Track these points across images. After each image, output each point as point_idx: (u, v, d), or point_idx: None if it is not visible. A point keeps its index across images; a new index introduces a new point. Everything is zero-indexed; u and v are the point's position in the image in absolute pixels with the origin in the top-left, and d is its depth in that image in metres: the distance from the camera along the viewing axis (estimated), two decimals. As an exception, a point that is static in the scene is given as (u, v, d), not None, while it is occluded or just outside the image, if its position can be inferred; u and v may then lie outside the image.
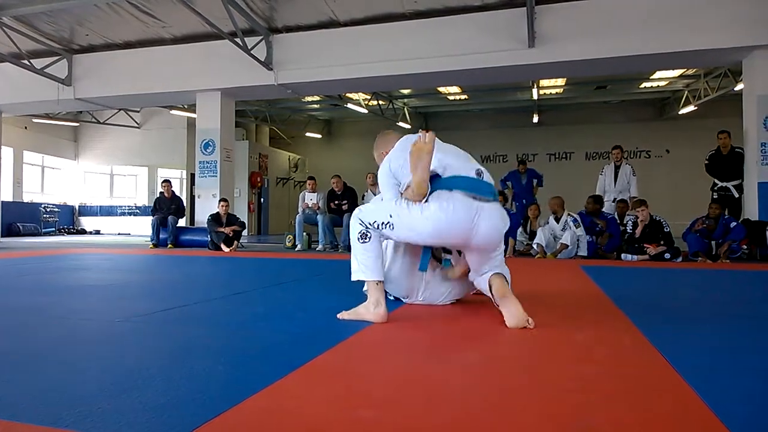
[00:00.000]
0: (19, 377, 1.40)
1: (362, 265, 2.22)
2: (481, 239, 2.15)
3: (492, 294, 2.22)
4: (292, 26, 8.41)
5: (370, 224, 2.22)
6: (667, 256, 5.88)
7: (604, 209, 7.00)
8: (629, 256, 6.05)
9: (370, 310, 2.17)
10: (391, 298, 2.76)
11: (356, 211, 2.31)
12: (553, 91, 12.76)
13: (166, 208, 8.64)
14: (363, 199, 8.01)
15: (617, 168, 7.56)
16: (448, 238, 2.21)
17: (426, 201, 2.12)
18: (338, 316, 2.25)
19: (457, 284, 2.64)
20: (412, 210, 2.15)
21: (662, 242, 5.98)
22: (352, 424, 1.07)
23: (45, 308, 2.52)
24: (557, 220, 6.46)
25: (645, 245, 6.00)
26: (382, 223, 2.20)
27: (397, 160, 2.24)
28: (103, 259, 5.80)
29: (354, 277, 2.24)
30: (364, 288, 2.80)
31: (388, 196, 2.30)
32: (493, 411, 1.17)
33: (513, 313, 2.07)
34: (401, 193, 2.23)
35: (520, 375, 1.47)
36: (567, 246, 6.23)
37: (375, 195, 7.75)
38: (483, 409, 1.18)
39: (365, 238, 2.21)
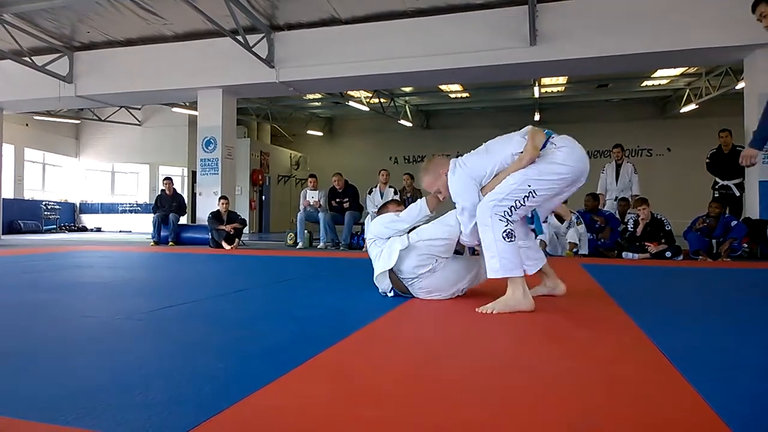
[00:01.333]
0: (20, 374, 1.40)
1: (510, 262, 2.32)
2: (587, 168, 2.46)
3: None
4: (293, 24, 8.40)
5: (512, 209, 2.34)
6: (668, 254, 5.88)
7: (606, 207, 6.98)
8: (630, 255, 6.05)
9: (522, 300, 2.30)
10: (391, 294, 2.78)
11: (485, 209, 2.37)
12: (555, 89, 12.74)
13: (167, 205, 8.64)
14: (370, 194, 7.86)
15: (618, 166, 7.56)
16: (580, 171, 2.43)
17: (555, 149, 2.40)
18: (481, 310, 2.30)
19: (468, 276, 2.74)
20: (546, 165, 2.37)
21: (663, 240, 5.98)
22: (352, 422, 1.08)
23: (46, 305, 2.53)
24: (559, 218, 6.46)
25: (646, 243, 6.00)
26: (524, 197, 2.35)
27: (472, 159, 2.54)
28: (104, 257, 5.81)
29: (499, 275, 2.34)
30: (382, 290, 2.81)
31: (463, 190, 2.49)
32: (494, 410, 1.17)
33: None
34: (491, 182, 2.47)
35: (520, 373, 1.47)
36: (576, 244, 6.27)
37: (383, 193, 7.70)
38: (484, 407, 1.18)
39: (511, 237, 2.34)
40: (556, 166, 2.38)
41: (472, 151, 2.63)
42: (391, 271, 2.70)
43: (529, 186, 2.36)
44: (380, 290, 2.86)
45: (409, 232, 2.76)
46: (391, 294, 2.79)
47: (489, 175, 2.48)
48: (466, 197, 2.49)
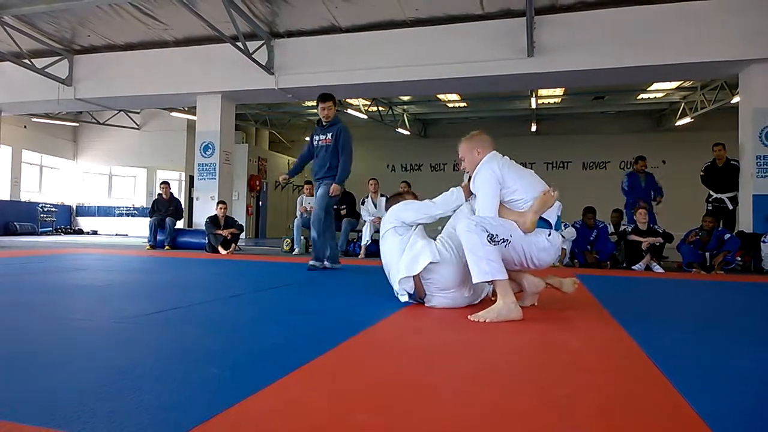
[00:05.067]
0: (12, 376, 1.40)
1: (497, 265, 2.38)
2: (550, 264, 2.68)
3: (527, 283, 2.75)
4: (293, 31, 8.45)
5: (493, 236, 2.41)
6: (659, 243, 6.10)
7: None
8: (638, 266, 6.10)
9: (513, 310, 2.34)
10: (404, 299, 2.76)
11: (472, 222, 2.42)
12: (552, 100, 12.82)
13: (164, 209, 8.63)
14: (363, 204, 7.93)
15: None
16: (542, 263, 2.60)
17: (549, 235, 2.56)
18: (473, 318, 2.32)
19: (480, 297, 2.78)
20: (529, 242, 2.51)
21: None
22: (347, 427, 1.08)
23: (40, 308, 2.52)
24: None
25: (642, 239, 6.11)
26: (503, 239, 2.45)
27: (510, 174, 2.58)
28: (100, 260, 5.80)
29: (488, 278, 2.38)
30: (402, 297, 2.76)
31: (487, 195, 2.54)
32: (486, 417, 1.18)
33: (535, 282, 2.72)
34: (503, 208, 2.58)
35: (513, 381, 1.49)
36: (566, 252, 6.38)
37: (375, 203, 7.70)
38: (476, 414, 1.19)
39: (494, 241, 2.41)
40: (534, 251, 2.55)
41: (514, 163, 2.70)
42: (417, 278, 2.64)
43: (510, 237, 2.48)
44: (396, 291, 2.79)
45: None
46: (405, 298, 2.73)
47: (510, 192, 2.57)
48: (484, 192, 2.57)
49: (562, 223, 6.44)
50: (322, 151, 4.86)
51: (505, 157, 2.70)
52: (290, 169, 5.28)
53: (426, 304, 2.73)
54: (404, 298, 2.74)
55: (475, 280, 2.42)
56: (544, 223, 2.58)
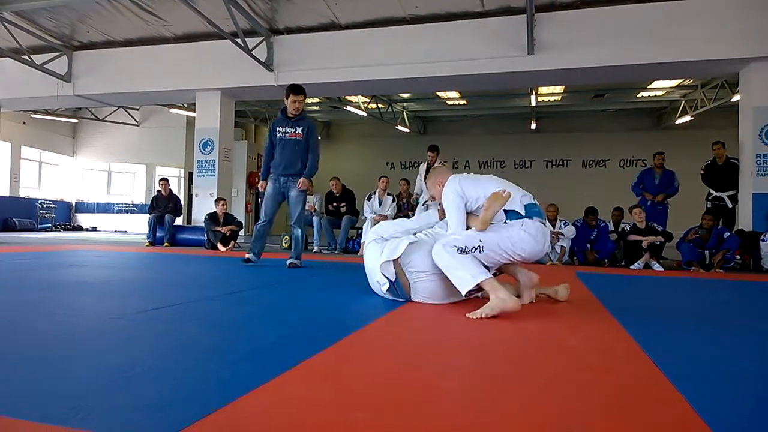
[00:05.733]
0: (9, 373, 1.40)
1: (476, 269, 2.49)
2: (542, 253, 2.72)
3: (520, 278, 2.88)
4: (293, 28, 8.43)
5: (462, 248, 2.53)
6: (658, 242, 6.12)
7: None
8: (637, 264, 6.09)
9: (508, 302, 2.39)
10: (385, 289, 2.79)
11: (439, 245, 2.59)
12: (551, 98, 12.80)
13: (163, 206, 8.63)
14: (369, 200, 7.87)
15: (429, 167, 7.51)
16: (529, 255, 2.65)
17: (522, 225, 2.60)
18: (471, 316, 2.35)
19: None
20: (503, 239, 2.59)
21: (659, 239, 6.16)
22: (344, 424, 1.08)
23: (38, 304, 2.52)
24: (552, 225, 6.55)
25: (642, 237, 6.13)
26: (473, 247, 2.56)
27: (468, 185, 2.74)
28: (99, 257, 5.79)
29: (472, 284, 2.47)
30: (379, 281, 2.83)
31: (453, 211, 2.71)
32: (484, 416, 1.18)
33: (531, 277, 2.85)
34: (468, 217, 2.72)
35: (512, 380, 1.48)
36: (565, 250, 6.37)
37: (382, 201, 7.71)
38: (474, 413, 1.19)
39: (464, 252, 2.53)
40: (509, 245, 2.60)
41: (472, 174, 2.90)
42: (398, 265, 2.72)
43: (480, 242, 2.58)
44: (375, 281, 2.86)
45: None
46: (386, 289, 2.77)
47: (474, 201, 2.71)
48: (451, 210, 2.74)
49: (561, 221, 6.50)
50: (291, 144, 4.78)
51: (465, 173, 2.92)
52: (262, 172, 5.09)
53: (413, 298, 2.76)
54: (385, 288, 2.79)
55: (463, 292, 2.51)
56: (514, 214, 2.66)
